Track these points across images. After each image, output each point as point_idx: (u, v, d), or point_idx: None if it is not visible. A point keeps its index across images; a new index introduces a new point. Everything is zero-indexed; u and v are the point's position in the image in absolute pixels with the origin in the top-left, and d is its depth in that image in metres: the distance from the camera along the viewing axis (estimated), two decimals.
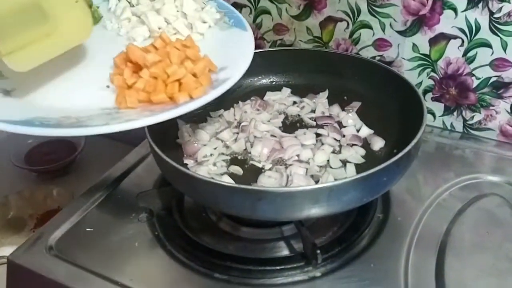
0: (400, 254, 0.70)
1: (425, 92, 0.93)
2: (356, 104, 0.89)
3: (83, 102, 0.62)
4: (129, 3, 0.81)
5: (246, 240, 0.74)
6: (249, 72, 0.84)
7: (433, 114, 0.95)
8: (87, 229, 0.76)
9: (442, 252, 0.70)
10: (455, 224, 0.75)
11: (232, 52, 0.72)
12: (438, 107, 0.94)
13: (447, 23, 0.85)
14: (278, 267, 0.68)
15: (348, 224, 0.75)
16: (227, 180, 0.71)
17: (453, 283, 0.65)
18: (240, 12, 1.02)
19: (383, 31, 0.91)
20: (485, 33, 0.83)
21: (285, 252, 0.72)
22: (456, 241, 0.72)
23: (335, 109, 0.88)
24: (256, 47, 1.06)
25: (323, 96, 0.90)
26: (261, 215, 0.62)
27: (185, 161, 0.77)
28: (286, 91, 0.93)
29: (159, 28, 0.75)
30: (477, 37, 0.84)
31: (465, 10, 0.82)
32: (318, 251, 0.64)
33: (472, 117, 0.93)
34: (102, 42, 0.74)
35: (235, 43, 0.74)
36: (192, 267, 0.69)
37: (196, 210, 0.79)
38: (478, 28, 0.83)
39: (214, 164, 0.76)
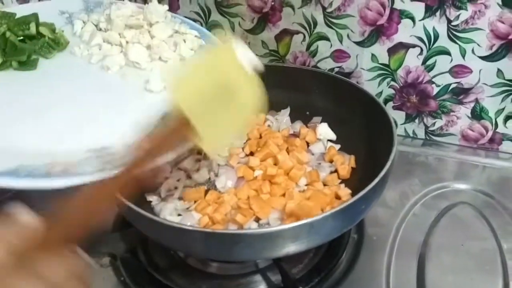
0: (381, 274, 0.68)
1: (386, 101, 0.92)
2: (317, 119, 0.86)
3: (65, 144, 0.56)
4: (96, 26, 0.74)
5: (219, 277, 0.70)
6: None
7: (395, 123, 0.93)
8: None
9: (422, 266, 0.69)
10: (431, 236, 0.74)
11: None
12: (400, 115, 0.93)
13: (405, 32, 0.83)
14: None
15: (324, 249, 0.72)
16: (197, 217, 0.67)
17: None
18: None
19: (341, 42, 0.89)
20: (443, 41, 0.82)
21: (263, 286, 0.68)
22: (435, 254, 0.71)
23: (298, 126, 0.85)
24: None
25: (285, 114, 0.87)
26: (239, 258, 0.59)
27: (148, 198, 0.71)
28: None
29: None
30: (436, 45, 0.83)
31: (423, 19, 0.81)
32: None
33: (434, 124, 0.92)
34: (73, 73, 0.68)
35: None
36: None
37: (162, 248, 0.73)
38: (436, 36, 0.82)
39: (180, 198, 0.71)
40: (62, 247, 0.37)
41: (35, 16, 0.71)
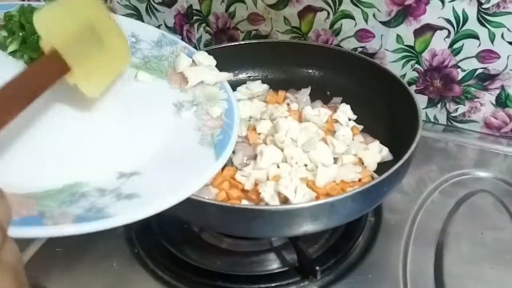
0: (397, 259, 0.67)
1: (409, 84, 0.90)
2: (338, 100, 0.84)
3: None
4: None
5: (233, 254, 0.69)
6: (224, 67, 0.78)
7: None
8: (57, 249, 0.69)
9: (439, 254, 0.68)
10: (450, 224, 0.73)
11: None
12: (422, 100, 0.91)
13: (433, 13, 0.81)
14: (272, 284, 0.64)
15: (340, 230, 0.71)
16: (214, 192, 0.66)
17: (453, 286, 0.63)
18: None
19: (366, 21, 0.87)
20: (472, 24, 0.80)
21: (277, 265, 0.67)
22: (453, 242, 0.70)
23: (318, 105, 0.84)
24: (229, 38, 1.02)
25: (305, 93, 0.85)
26: (257, 234, 0.58)
27: None
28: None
29: None
30: (464, 28, 0.81)
31: (453, 0, 0.78)
32: (318, 268, 0.60)
33: (456, 109, 0.90)
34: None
35: None
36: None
37: (176, 220, 0.73)
38: (465, 19, 0.80)
39: None
40: None
41: None
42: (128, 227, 0.71)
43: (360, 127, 0.79)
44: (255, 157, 0.71)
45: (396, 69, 0.89)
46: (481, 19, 0.79)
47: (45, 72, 0.48)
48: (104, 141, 0.58)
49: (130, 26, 0.70)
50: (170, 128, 0.63)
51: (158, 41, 0.74)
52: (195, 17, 1.02)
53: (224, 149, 0.60)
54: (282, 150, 0.70)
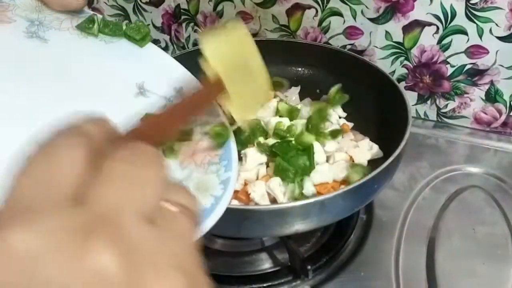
0: (389, 256, 0.67)
1: (398, 81, 0.89)
2: (327, 98, 0.84)
3: None
4: None
5: (224, 254, 0.69)
6: None
7: None
8: None
9: (431, 250, 0.68)
10: (441, 220, 0.73)
11: None
12: (412, 96, 0.91)
13: (421, 9, 0.81)
14: (264, 284, 0.63)
15: (331, 228, 0.71)
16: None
17: (446, 284, 0.63)
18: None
19: (354, 18, 0.86)
20: (461, 20, 0.80)
21: (268, 264, 0.67)
22: (445, 238, 0.70)
23: (307, 103, 0.83)
24: None
25: (294, 92, 0.85)
26: (247, 234, 0.57)
27: None
28: None
29: None
30: (452, 23, 0.80)
31: None
32: (309, 267, 0.60)
33: (446, 105, 0.90)
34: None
35: None
36: None
37: None
38: (453, 15, 0.79)
39: None
40: None
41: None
42: None
43: (350, 124, 0.78)
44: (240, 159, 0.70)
45: (385, 66, 0.88)
46: (469, 14, 0.79)
47: (208, 96, 0.49)
48: None
49: (181, 79, 0.63)
50: None
51: None
52: (183, 17, 1.01)
53: None
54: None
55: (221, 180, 0.52)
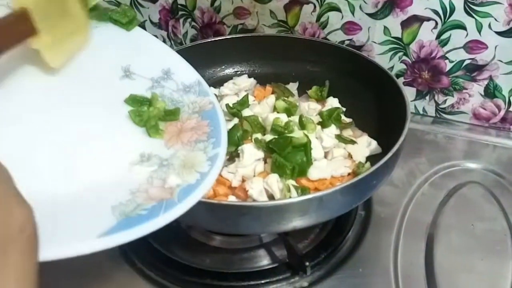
0: (388, 252, 0.67)
1: (397, 76, 0.89)
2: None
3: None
4: None
5: (222, 251, 0.68)
6: (211, 62, 0.77)
7: None
8: None
9: (430, 246, 0.68)
10: (440, 216, 0.72)
11: None
12: (410, 92, 0.91)
13: (420, 4, 0.80)
14: (262, 281, 0.63)
15: (330, 225, 0.70)
16: None
17: (444, 280, 0.63)
18: None
19: (353, 13, 0.86)
20: (459, 15, 0.79)
21: (267, 261, 0.67)
22: (444, 234, 0.69)
23: (305, 99, 0.83)
24: (216, 32, 1.00)
25: (293, 88, 0.84)
26: (245, 231, 0.57)
27: None
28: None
29: None
30: (451, 19, 0.80)
31: None
32: (307, 263, 0.59)
33: (445, 101, 0.90)
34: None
35: None
36: (167, 286, 0.63)
37: None
38: (452, 10, 0.79)
39: None
40: None
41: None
42: None
43: (349, 120, 0.78)
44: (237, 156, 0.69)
45: (384, 62, 0.88)
46: (468, 9, 0.78)
47: (12, 30, 0.45)
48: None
49: (169, 60, 0.63)
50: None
51: (188, 87, 0.61)
52: (180, 12, 1.00)
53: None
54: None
55: (209, 157, 0.52)
